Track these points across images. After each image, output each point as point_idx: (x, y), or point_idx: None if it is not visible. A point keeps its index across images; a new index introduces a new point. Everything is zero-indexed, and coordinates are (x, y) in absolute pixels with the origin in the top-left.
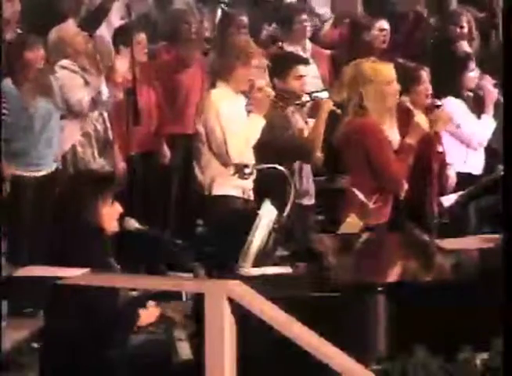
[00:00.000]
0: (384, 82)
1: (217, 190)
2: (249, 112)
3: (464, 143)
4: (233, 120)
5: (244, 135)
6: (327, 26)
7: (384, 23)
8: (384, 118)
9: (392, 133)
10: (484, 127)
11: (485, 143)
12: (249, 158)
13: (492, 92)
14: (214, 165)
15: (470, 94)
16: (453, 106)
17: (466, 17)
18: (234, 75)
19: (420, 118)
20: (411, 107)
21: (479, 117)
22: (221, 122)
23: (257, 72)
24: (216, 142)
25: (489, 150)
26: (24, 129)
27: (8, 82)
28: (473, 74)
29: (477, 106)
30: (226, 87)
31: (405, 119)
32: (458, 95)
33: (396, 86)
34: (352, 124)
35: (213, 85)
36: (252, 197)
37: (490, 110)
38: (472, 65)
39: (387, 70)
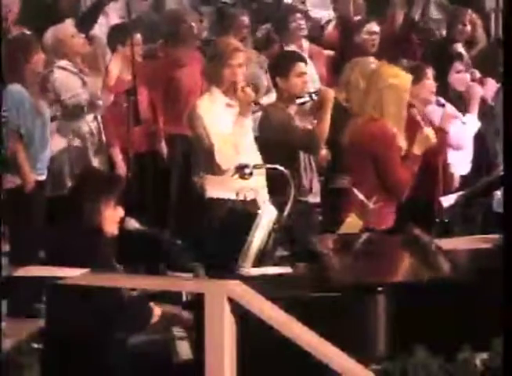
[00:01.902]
0: (404, 89)
1: (210, 193)
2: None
3: (449, 144)
4: (220, 128)
5: (232, 141)
6: (331, 26)
7: (373, 26)
8: (398, 124)
9: (401, 140)
10: (469, 127)
11: (470, 143)
12: (253, 159)
13: (476, 91)
14: (206, 169)
15: (456, 93)
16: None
17: (469, 17)
18: (222, 78)
19: (429, 131)
20: (419, 119)
21: (463, 116)
22: (208, 132)
23: (245, 72)
24: (205, 151)
25: (480, 151)
26: (42, 135)
27: (17, 87)
28: (461, 76)
29: (461, 105)
30: (218, 91)
31: (411, 129)
32: (444, 95)
33: (408, 96)
34: (367, 125)
35: (207, 90)
36: (248, 199)
37: (474, 109)
38: (459, 66)
39: (407, 78)
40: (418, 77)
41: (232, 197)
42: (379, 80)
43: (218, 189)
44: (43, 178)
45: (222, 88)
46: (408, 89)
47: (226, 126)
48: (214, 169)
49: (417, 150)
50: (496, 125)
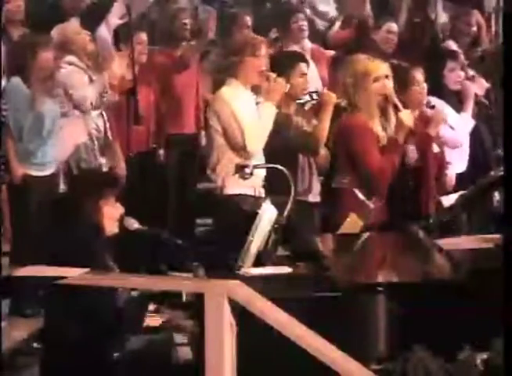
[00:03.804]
0: (371, 79)
1: (229, 189)
2: (257, 103)
3: (444, 143)
4: (248, 114)
5: (260, 127)
6: (336, 26)
7: (392, 26)
8: (371, 115)
9: (381, 130)
10: (464, 125)
11: (465, 142)
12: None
13: (470, 90)
14: (225, 164)
15: (451, 92)
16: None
17: (474, 17)
18: (243, 70)
19: (405, 114)
20: (398, 104)
21: (459, 114)
22: (237, 119)
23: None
24: (234, 139)
25: (476, 149)
26: (34, 130)
27: (17, 81)
28: (454, 74)
29: (456, 103)
30: (236, 82)
31: (393, 115)
32: (438, 94)
33: (386, 83)
34: (342, 122)
35: (221, 83)
36: (263, 195)
37: (469, 107)
38: (452, 64)
39: (377, 67)
40: (406, 84)
41: (250, 192)
42: (351, 75)
43: (238, 185)
44: (42, 174)
45: (242, 80)
46: (379, 77)
47: (251, 115)
48: (243, 156)
49: (396, 135)
50: (491, 123)
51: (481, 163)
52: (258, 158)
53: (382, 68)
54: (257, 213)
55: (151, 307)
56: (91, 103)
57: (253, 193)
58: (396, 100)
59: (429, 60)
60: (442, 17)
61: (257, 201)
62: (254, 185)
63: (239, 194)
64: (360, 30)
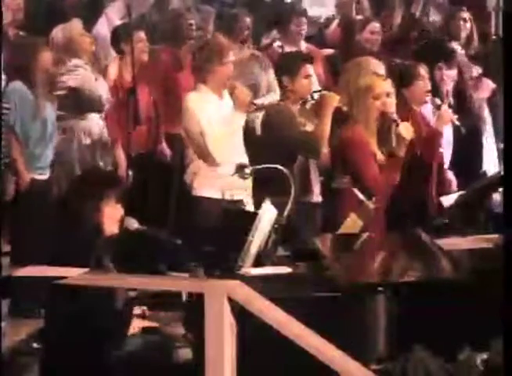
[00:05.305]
0: (371, 96)
1: (196, 191)
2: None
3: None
4: (212, 121)
5: (225, 133)
6: (334, 25)
7: (375, 26)
8: (369, 130)
9: (378, 147)
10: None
11: (451, 141)
12: (240, 156)
13: (444, 84)
14: (194, 166)
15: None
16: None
17: (465, 15)
18: (212, 76)
19: (403, 127)
20: (397, 119)
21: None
22: (199, 124)
23: (245, 71)
24: (198, 145)
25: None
26: (41, 135)
27: (20, 86)
28: (442, 73)
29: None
30: (206, 88)
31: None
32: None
33: (386, 101)
34: (344, 133)
35: (194, 88)
36: (236, 198)
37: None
38: (441, 63)
39: (379, 84)
40: (410, 79)
41: (216, 196)
42: (355, 88)
43: (205, 187)
44: (44, 177)
45: (211, 86)
46: (380, 94)
47: (217, 120)
48: (208, 160)
49: (397, 152)
50: (474, 122)
51: (467, 162)
52: (227, 167)
53: (384, 85)
54: (230, 214)
55: (151, 308)
56: (97, 105)
57: (220, 197)
58: (395, 117)
59: (421, 58)
60: (432, 16)
61: (227, 204)
62: (224, 188)
63: (205, 197)
64: (345, 31)
